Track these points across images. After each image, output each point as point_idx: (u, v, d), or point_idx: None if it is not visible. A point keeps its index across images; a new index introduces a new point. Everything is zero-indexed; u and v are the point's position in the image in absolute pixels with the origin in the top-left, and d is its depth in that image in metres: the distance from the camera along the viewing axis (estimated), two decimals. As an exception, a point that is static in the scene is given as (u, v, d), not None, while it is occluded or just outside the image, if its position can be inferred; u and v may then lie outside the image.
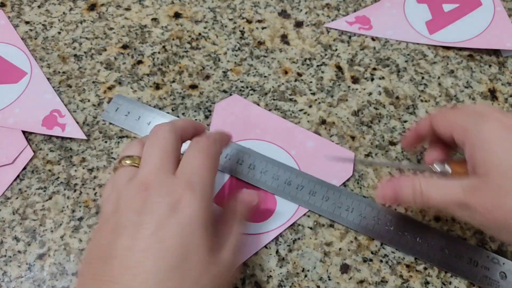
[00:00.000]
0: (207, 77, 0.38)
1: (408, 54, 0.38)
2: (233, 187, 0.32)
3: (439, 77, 0.37)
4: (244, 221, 0.27)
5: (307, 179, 0.32)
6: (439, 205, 0.25)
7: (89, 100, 0.37)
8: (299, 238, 0.31)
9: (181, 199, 0.23)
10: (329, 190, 0.32)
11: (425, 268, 0.30)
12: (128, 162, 0.25)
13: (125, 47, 0.39)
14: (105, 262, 0.21)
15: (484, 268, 0.29)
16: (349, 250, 0.30)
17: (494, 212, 0.22)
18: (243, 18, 0.41)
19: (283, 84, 0.37)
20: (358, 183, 0.33)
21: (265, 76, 0.37)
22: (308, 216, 0.31)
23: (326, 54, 0.39)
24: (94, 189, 0.33)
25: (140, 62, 0.38)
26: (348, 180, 0.33)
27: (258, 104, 0.36)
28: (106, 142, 0.35)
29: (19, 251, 0.31)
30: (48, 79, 0.37)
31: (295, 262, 0.30)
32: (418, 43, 0.39)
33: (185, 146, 0.27)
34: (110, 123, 0.35)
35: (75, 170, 0.34)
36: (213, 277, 0.23)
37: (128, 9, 0.42)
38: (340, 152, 0.33)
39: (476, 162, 0.23)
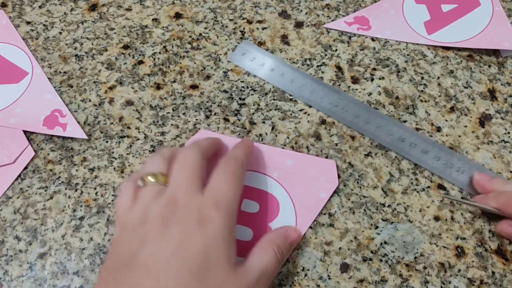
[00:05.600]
0: (208, 77, 0.38)
1: (407, 55, 0.39)
2: None
3: (438, 77, 0.37)
4: (282, 256, 0.28)
5: (420, 139, 0.34)
6: None
7: (90, 100, 0.37)
8: (299, 237, 0.31)
9: (208, 215, 0.24)
10: (441, 151, 0.33)
11: (425, 268, 0.30)
12: (152, 180, 0.26)
13: (126, 47, 0.39)
14: (129, 268, 0.22)
15: None
16: (349, 249, 0.30)
17: None
18: (243, 19, 0.41)
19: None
20: (358, 182, 0.33)
21: (265, 76, 0.38)
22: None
23: (326, 55, 0.39)
24: (95, 188, 0.33)
25: (141, 62, 0.39)
26: (347, 180, 0.33)
27: (259, 105, 0.36)
28: (107, 142, 0.35)
29: (20, 251, 0.31)
30: (49, 79, 0.38)
31: (295, 261, 0.30)
32: (417, 43, 0.39)
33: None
34: (111, 123, 0.36)
35: (76, 170, 0.34)
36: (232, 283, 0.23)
37: (129, 9, 0.42)
38: (320, 163, 0.33)
39: None
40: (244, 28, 0.40)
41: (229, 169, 0.27)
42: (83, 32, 0.40)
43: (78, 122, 0.35)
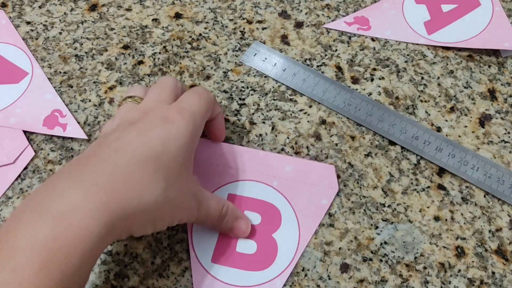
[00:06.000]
0: (208, 77, 0.38)
1: (407, 55, 0.39)
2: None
3: (438, 78, 0.37)
4: (221, 220, 0.29)
5: (434, 136, 0.34)
6: None
7: (90, 100, 0.37)
8: (299, 238, 0.31)
9: (171, 116, 0.26)
10: (455, 148, 0.33)
11: (425, 268, 0.30)
12: (130, 100, 0.29)
13: (126, 47, 0.39)
14: (99, 146, 0.25)
15: None
16: (349, 249, 0.30)
17: None
18: (243, 19, 0.41)
19: (283, 84, 0.37)
20: (358, 182, 0.33)
21: (265, 76, 0.38)
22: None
23: (326, 55, 0.39)
24: (95, 188, 0.33)
25: (141, 62, 0.39)
26: (347, 180, 0.33)
27: (259, 105, 0.36)
28: (107, 142, 0.35)
29: (20, 251, 0.31)
30: (49, 79, 0.38)
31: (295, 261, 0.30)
32: (417, 44, 0.39)
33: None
34: (111, 123, 0.36)
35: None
36: (180, 186, 0.25)
37: (129, 9, 0.42)
38: (319, 168, 0.33)
39: None
40: (244, 28, 0.40)
41: (199, 91, 0.29)
42: (83, 32, 0.40)
43: (78, 122, 0.35)
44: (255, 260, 0.29)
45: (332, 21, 0.41)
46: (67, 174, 0.23)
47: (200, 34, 0.40)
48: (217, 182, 0.32)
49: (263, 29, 0.40)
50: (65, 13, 0.42)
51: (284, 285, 0.29)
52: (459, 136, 0.35)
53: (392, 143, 0.34)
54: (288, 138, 0.35)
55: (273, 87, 0.37)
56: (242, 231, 0.30)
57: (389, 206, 0.32)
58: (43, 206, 0.21)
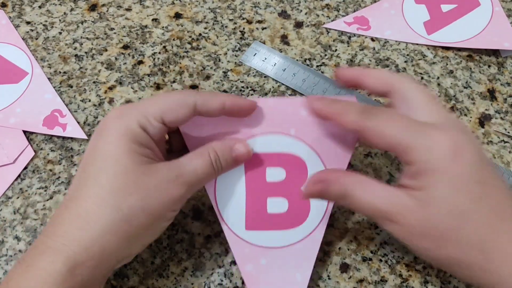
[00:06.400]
0: (208, 77, 0.38)
1: (407, 55, 0.39)
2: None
3: (438, 77, 0.37)
4: (219, 167, 0.26)
5: None
6: (363, 212, 0.24)
7: (90, 100, 0.37)
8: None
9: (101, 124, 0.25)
10: None
11: (424, 268, 0.30)
12: None
13: (125, 47, 0.39)
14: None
15: None
16: (348, 249, 0.30)
17: (418, 238, 0.22)
18: (243, 19, 0.41)
19: (283, 84, 0.37)
20: (357, 182, 0.33)
21: (265, 76, 0.38)
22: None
23: (326, 55, 0.39)
24: (95, 188, 0.33)
25: (140, 62, 0.39)
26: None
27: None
28: (106, 142, 0.35)
29: (20, 251, 0.31)
30: (49, 79, 0.38)
31: (295, 261, 0.30)
32: (417, 44, 0.39)
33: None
34: (111, 123, 0.36)
35: (76, 170, 0.34)
36: (139, 192, 0.23)
37: (128, 9, 0.42)
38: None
39: (417, 185, 0.22)
40: (244, 28, 0.40)
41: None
42: (83, 32, 0.40)
43: (78, 122, 0.35)
44: (290, 217, 0.28)
45: (332, 21, 0.41)
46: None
47: (200, 34, 0.40)
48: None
49: (263, 29, 0.40)
50: (65, 13, 0.42)
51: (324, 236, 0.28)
52: (459, 136, 0.35)
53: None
54: (288, 138, 0.35)
55: (273, 87, 0.37)
56: (245, 155, 0.27)
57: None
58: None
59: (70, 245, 0.22)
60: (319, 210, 0.28)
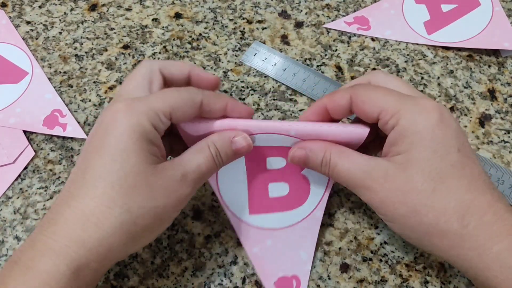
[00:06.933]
0: (208, 77, 0.38)
1: (407, 55, 0.39)
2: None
3: (438, 77, 0.37)
4: (220, 161, 0.25)
5: None
6: (342, 180, 0.25)
7: (90, 100, 0.37)
8: (299, 237, 0.31)
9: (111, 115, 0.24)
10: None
11: (425, 268, 0.30)
12: None
13: (126, 47, 0.39)
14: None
15: None
16: (348, 249, 0.30)
17: (395, 204, 0.23)
18: (243, 19, 0.41)
19: (283, 84, 0.37)
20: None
21: (265, 76, 0.38)
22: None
23: (326, 55, 0.39)
24: (95, 188, 0.33)
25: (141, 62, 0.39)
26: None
27: (259, 105, 0.36)
28: (107, 141, 0.35)
29: (20, 250, 0.31)
30: (49, 79, 0.38)
31: (295, 261, 0.30)
32: (417, 43, 0.39)
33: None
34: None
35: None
36: (145, 194, 0.23)
37: (129, 9, 0.42)
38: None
39: (399, 149, 0.23)
40: (244, 28, 0.40)
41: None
42: (83, 32, 0.40)
43: (78, 122, 0.35)
44: (291, 199, 0.29)
45: (332, 21, 0.41)
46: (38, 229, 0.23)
47: (200, 34, 0.40)
48: None
49: (263, 29, 0.40)
50: (65, 13, 0.42)
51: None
52: (459, 136, 0.35)
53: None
54: (288, 138, 0.35)
55: (273, 87, 0.37)
56: (245, 148, 0.26)
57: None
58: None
59: (74, 246, 0.21)
60: (318, 190, 0.30)
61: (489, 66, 0.38)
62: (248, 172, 0.29)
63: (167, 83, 0.27)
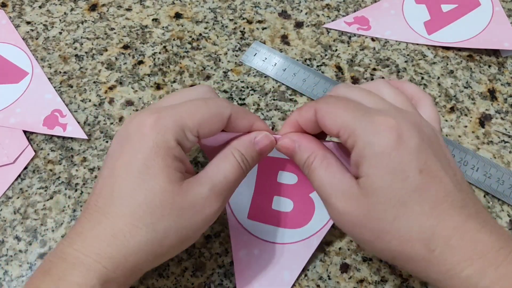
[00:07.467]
0: (208, 77, 0.38)
1: (407, 55, 0.39)
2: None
3: (438, 78, 0.37)
4: (246, 165, 0.25)
5: None
6: (314, 187, 0.24)
7: (90, 100, 0.37)
8: (299, 238, 0.31)
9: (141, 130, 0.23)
10: (455, 148, 0.33)
11: (425, 267, 0.30)
12: None
13: (126, 47, 0.39)
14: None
15: None
16: (349, 249, 0.30)
17: (359, 228, 0.22)
18: (243, 19, 0.41)
19: (283, 84, 0.37)
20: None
21: (265, 76, 0.38)
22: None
23: (326, 55, 0.39)
24: (95, 188, 0.33)
25: (141, 62, 0.39)
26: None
27: (259, 105, 0.36)
28: (107, 142, 0.35)
29: (20, 251, 0.31)
30: (49, 79, 0.38)
31: (295, 261, 0.30)
32: (417, 44, 0.39)
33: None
34: (111, 123, 0.36)
35: (76, 170, 0.34)
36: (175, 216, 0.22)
37: (129, 9, 0.42)
38: None
39: (361, 172, 0.22)
40: (244, 28, 0.40)
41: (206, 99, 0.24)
42: (83, 32, 0.40)
43: (78, 122, 0.35)
44: (292, 218, 0.29)
45: (332, 21, 0.41)
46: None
47: (200, 34, 0.40)
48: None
49: (263, 29, 0.40)
50: (65, 13, 0.42)
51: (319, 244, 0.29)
52: (459, 136, 0.35)
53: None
54: (288, 138, 0.35)
55: (273, 87, 0.37)
56: (269, 145, 0.26)
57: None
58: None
59: (103, 262, 0.21)
60: (322, 218, 0.29)
61: (489, 66, 0.38)
62: (257, 179, 0.29)
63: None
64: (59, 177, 0.33)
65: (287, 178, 0.30)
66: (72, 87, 0.37)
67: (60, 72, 0.38)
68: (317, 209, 0.29)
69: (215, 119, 0.24)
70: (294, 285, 0.29)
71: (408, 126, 0.21)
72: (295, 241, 0.29)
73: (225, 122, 0.24)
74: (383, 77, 0.37)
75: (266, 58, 0.38)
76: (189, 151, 0.24)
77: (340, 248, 0.31)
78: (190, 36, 0.40)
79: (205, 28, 0.40)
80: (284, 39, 0.40)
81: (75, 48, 0.39)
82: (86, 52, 0.39)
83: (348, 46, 0.39)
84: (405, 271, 0.26)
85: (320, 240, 0.29)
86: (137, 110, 0.36)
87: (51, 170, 0.34)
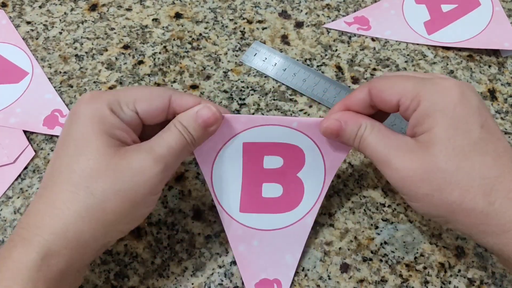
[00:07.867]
0: (208, 77, 0.38)
1: (408, 55, 0.39)
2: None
3: (438, 78, 0.37)
4: (190, 137, 0.25)
5: None
6: (368, 154, 0.25)
7: (90, 100, 0.37)
8: (299, 237, 0.31)
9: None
10: None
11: (425, 268, 0.30)
12: None
13: (126, 47, 0.39)
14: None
15: None
16: (349, 249, 0.30)
17: (418, 182, 0.22)
18: (243, 19, 0.41)
19: (283, 84, 0.37)
20: (358, 182, 0.33)
21: (265, 76, 0.38)
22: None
23: (326, 55, 0.39)
24: (95, 188, 0.33)
25: (141, 62, 0.39)
26: (347, 180, 0.33)
27: (259, 105, 0.36)
28: (107, 141, 0.35)
29: (20, 250, 0.31)
30: (49, 79, 0.38)
31: (295, 261, 0.30)
32: (417, 44, 0.39)
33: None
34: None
35: (76, 170, 0.34)
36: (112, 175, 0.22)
37: (129, 9, 0.42)
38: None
39: (422, 129, 0.23)
40: (244, 28, 0.40)
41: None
42: (83, 32, 0.40)
43: (78, 122, 0.35)
44: (283, 202, 0.29)
45: (332, 21, 0.41)
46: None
47: (200, 34, 0.40)
48: (228, 133, 0.28)
49: (263, 29, 0.40)
50: (65, 13, 0.42)
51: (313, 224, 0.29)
52: (459, 136, 0.35)
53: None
54: (288, 138, 0.35)
55: (273, 87, 0.37)
56: (212, 118, 0.25)
57: (389, 206, 0.32)
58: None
59: (43, 234, 0.21)
60: (312, 196, 0.29)
61: (489, 66, 0.38)
62: (244, 169, 0.29)
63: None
64: (59, 177, 0.33)
65: (273, 162, 0.29)
66: (72, 87, 0.37)
67: (60, 72, 0.38)
68: (306, 188, 0.29)
69: (153, 96, 0.25)
70: (294, 285, 0.29)
71: (469, 87, 0.23)
72: (290, 224, 0.30)
73: (166, 101, 0.25)
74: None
75: (266, 58, 0.38)
76: (132, 126, 0.25)
77: (340, 248, 0.31)
78: (190, 36, 0.40)
79: (205, 28, 0.40)
80: (284, 39, 0.40)
81: (75, 48, 0.39)
82: (86, 52, 0.39)
83: (348, 46, 0.39)
84: (459, 231, 0.25)
85: (314, 217, 0.29)
86: (137, 110, 0.36)
87: (51, 170, 0.34)
